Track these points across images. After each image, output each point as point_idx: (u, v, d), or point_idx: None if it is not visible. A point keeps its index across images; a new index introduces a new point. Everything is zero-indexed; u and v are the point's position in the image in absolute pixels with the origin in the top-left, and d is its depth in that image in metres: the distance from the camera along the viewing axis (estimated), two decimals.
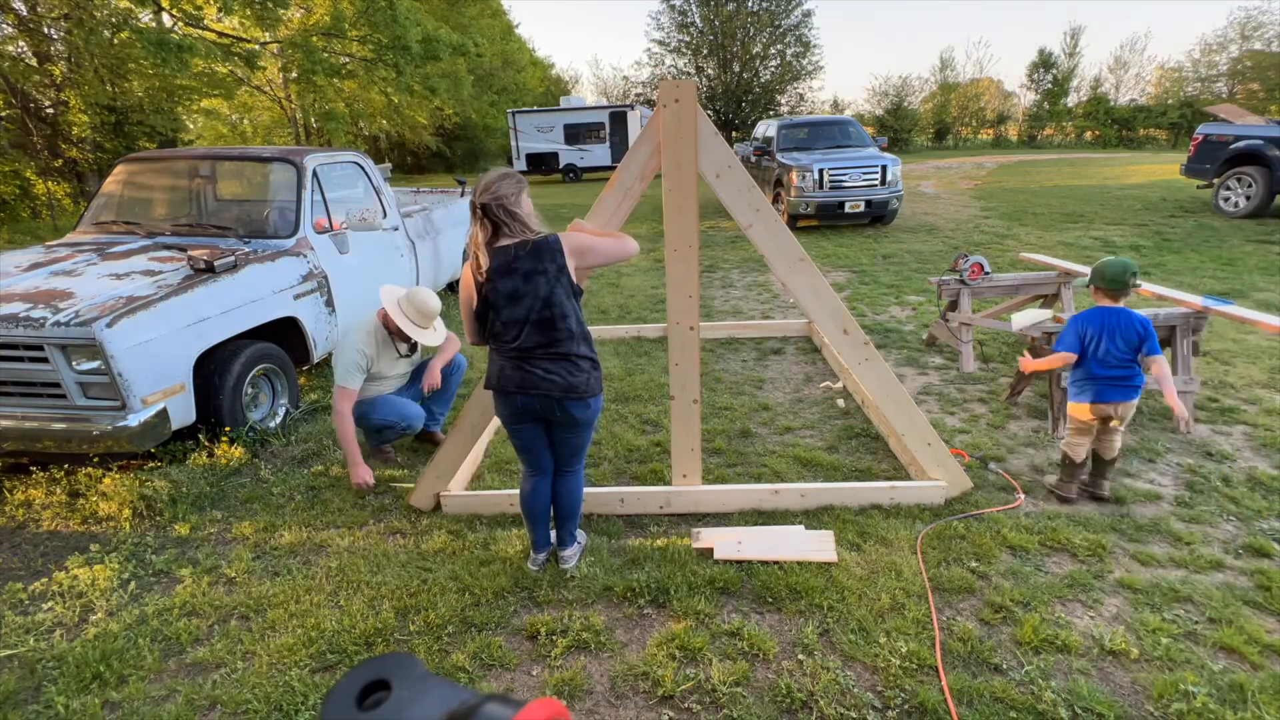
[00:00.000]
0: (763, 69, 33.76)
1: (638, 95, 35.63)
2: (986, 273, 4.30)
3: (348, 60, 16.42)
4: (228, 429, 3.35)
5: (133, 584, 2.51)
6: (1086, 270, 4.28)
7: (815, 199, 9.28)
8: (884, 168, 9.32)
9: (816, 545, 2.52)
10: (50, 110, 12.62)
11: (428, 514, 2.90)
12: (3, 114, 11.83)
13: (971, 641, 2.05)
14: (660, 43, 34.65)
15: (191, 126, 20.32)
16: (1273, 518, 2.62)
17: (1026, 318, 3.61)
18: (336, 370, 3.05)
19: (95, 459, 3.12)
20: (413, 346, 3.37)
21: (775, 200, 9.95)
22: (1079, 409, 2.71)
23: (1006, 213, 10.73)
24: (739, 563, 2.46)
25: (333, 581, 2.46)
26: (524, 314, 2.05)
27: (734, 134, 31.99)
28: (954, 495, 2.84)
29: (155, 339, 2.97)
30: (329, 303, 4.07)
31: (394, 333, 3.21)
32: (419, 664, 0.39)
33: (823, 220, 9.52)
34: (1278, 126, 9.10)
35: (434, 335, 3.28)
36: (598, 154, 22.51)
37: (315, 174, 4.29)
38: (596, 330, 5.24)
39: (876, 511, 2.75)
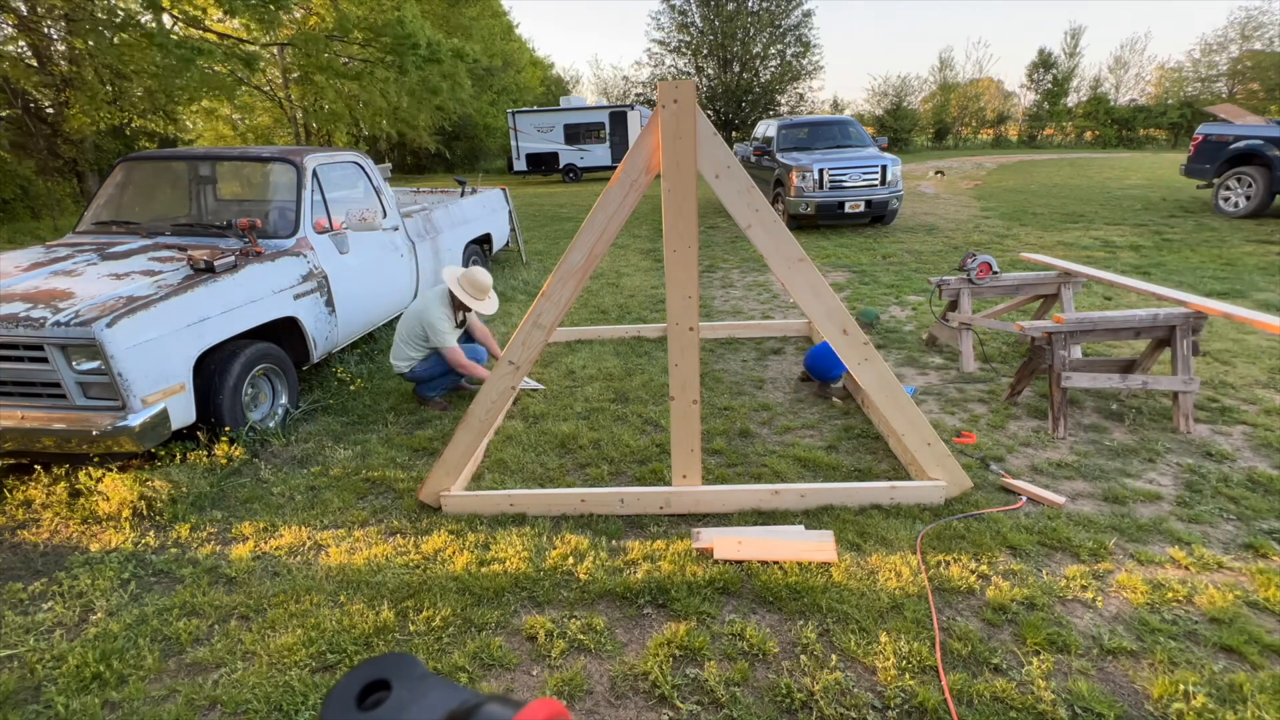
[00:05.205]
0: (763, 69, 33.74)
1: (638, 95, 35.61)
2: (995, 272, 4.30)
3: (348, 61, 16.40)
4: (228, 429, 3.35)
5: (133, 584, 2.51)
6: (1088, 270, 4.28)
7: (815, 199, 9.27)
8: (884, 168, 9.31)
9: (816, 545, 2.52)
10: (50, 110, 12.62)
11: (428, 514, 2.90)
12: (3, 114, 11.83)
13: (971, 641, 2.05)
14: (660, 43, 34.65)
15: (191, 127, 20.31)
16: (1273, 518, 2.62)
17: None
18: (440, 338, 3.77)
19: (95, 459, 3.13)
20: (464, 318, 4.12)
21: (775, 200, 9.95)
22: None
23: (1006, 213, 10.73)
24: (739, 563, 2.46)
25: (333, 581, 2.46)
26: None
27: (734, 134, 31.97)
28: (954, 495, 2.84)
29: (155, 339, 2.97)
30: (329, 303, 4.07)
31: (455, 304, 3.92)
32: (419, 664, 0.39)
33: (823, 220, 9.52)
34: (1278, 126, 9.10)
35: (490, 305, 4.01)
36: (598, 154, 22.49)
37: (315, 174, 4.29)
38: (596, 330, 5.24)
39: (876, 511, 2.75)
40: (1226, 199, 9.31)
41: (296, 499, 3.06)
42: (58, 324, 2.81)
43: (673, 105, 2.36)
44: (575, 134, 22.41)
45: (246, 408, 3.51)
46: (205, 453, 3.31)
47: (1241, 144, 9.11)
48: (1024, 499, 2.81)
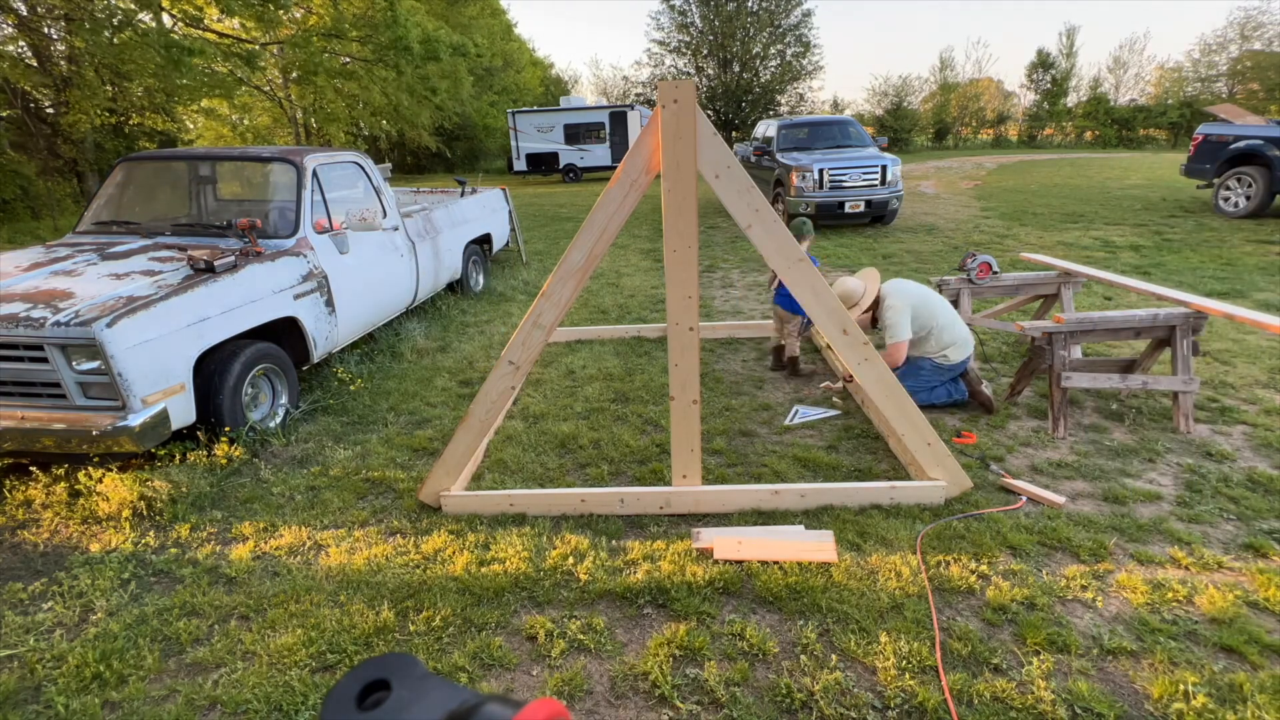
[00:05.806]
0: (763, 69, 33.73)
1: (638, 95, 35.60)
2: (995, 272, 4.30)
3: (348, 61, 16.40)
4: (228, 429, 3.35)
5: (133, 584, 2.51)
6: (1088, 270, 4.28)
7: (815, 199, 9.27)
8: (884, 168, 9.31)
9: (816, 545, 2.52)
10: (50, 110, 12.61)
11: (428, 514, 2.90)
12: (3, 114, 11.82)
13: (971, 641, 2.05)
14: (660, 43, 34.64)
15: (192, 127, 20.31)
16: (1273, 518, 2.62)
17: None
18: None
19: (95, 459, 3.12)
20: None
21: (775, 200, 9.94)
22: None
23: (1006, 213, 10.73)
24: (739, 563, 2.46)
25: (333, 581, 2.46)
26: None
27: (734, 134, 31.96)
28: (954, 495, 2.84)
29: (155, 339, 2.97)
30: (329, 303, 4.07)
31: None
32: (419, 664, 0.39)
33: (823, 220, 9.52)
34: (1278, 126, 9.10)
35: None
36: (598, 154, 22.48)
37: (315, 174, 4.29)
38: (596, 330, 5.25)
39: (876, 511, 2.75)
40: (1226, 199, 9.31)
41: (296, 499, 3.06)
42: (58, 324, 2.81)
43: (673, 105, 2.36)
44: (575, 134, 22.40)
45: (246, 408, 3.51)
46: (205, 453, 3.31)
47: (1241, 144, 9.11)
48: (1024, 499, 2.81)
